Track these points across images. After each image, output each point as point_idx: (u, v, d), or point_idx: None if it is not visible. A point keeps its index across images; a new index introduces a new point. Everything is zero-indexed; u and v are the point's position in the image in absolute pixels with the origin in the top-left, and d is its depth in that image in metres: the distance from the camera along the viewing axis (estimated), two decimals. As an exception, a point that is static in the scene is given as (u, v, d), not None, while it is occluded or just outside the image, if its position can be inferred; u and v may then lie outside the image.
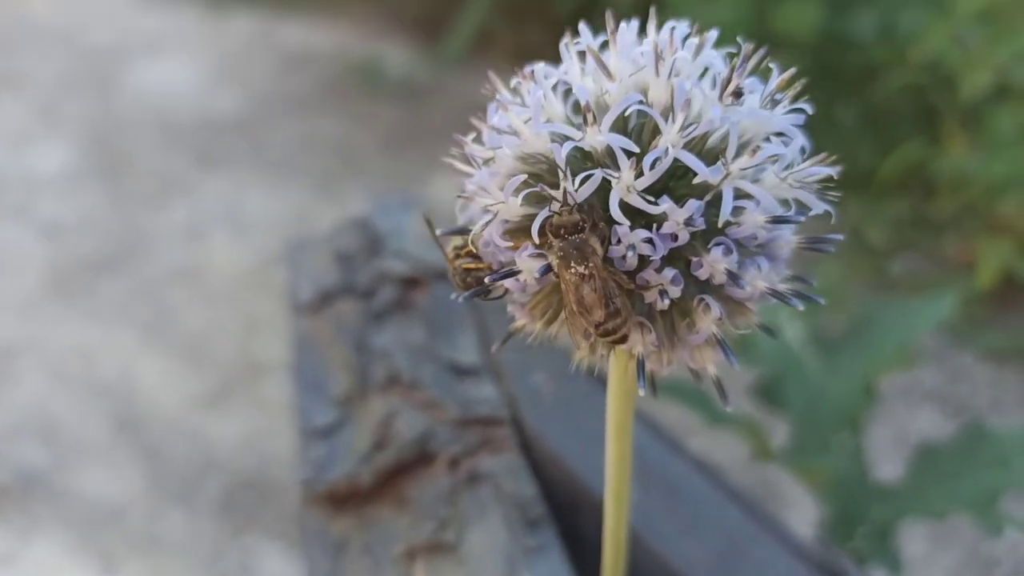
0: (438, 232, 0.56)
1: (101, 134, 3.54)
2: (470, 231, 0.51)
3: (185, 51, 4.16)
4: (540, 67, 0.50)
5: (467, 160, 0.51)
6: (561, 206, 0.45)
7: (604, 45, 0.50)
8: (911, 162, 2.69)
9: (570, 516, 0.86)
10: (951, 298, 1.44)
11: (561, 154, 0.44)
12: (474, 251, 0.52)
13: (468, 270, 0.52)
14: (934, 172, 2.68)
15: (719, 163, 0.44)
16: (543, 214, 0.45)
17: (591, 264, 0.44)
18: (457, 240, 0.54)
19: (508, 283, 0.48)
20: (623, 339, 0.46)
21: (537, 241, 0.46)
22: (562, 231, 0.45)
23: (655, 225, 0.44)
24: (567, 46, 0.50)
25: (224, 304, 2.75)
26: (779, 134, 0.47)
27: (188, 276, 2.83)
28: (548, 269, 0.46)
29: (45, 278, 2.79)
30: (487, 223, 0.48)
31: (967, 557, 2.08)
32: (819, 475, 1.34)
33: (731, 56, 0.49)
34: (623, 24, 0.48)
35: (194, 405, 2.41)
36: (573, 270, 0.44)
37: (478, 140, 0.51)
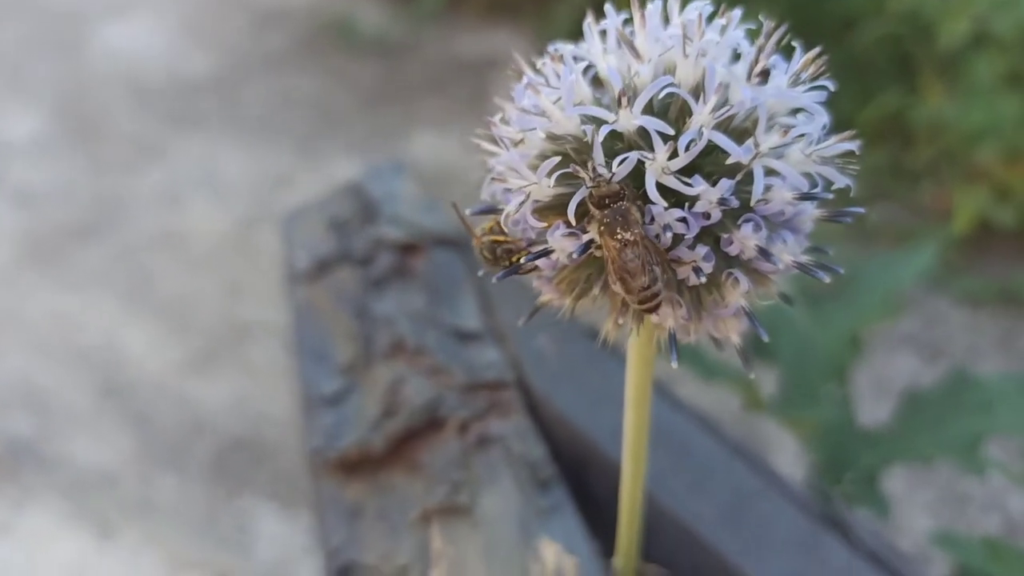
0: (467, 212, 0.57)
1: (71, 99, 3.47)
2: (499, 211, 0.52)
3: (153, 10, 4.06)
4: (567, 48, 0.50)
5: (492, 139, 0.52)
6: (597, 178, 0.45)
7: (626, 22, 0.50)
8: (889, 111, 2.71)
9: (578, 475, 0.88)
10: (933, 249, 1.47)
11: (598, 139, 0.45)
12: (503, 229, 0.53)
13: (496, 243, 0.52)
14: (912, 121, 2.70)
15: (749, 142, 0.44)
16: (580, 194, 0.46)
17: (635, 231, 0.45)
18: (486, 222, 0.55)
19: (539, 261, 0.49)
20: (657, 307, 0.47)
21: (573, 221, 0.47)
22: (606, 200, 0.45)
23: (687, 204, 0.45)
24: (589, 25, 0.51)
25: (206, 268, 2.73)
26: (799, 109, 0.48)
27: (168, 241, 2.81)
28: (586, 249, 0.47)
29: (21, 248, 2.75)
30: (521, 204, 0.48)
31: (942, 495, 2.15)
32: (808, 424, 1.37)
33: (751, 33, 0.49)
34: (650, 5, 0.49)
35: (180, 370, 2.40)
36: (619, 236, 0.45)
37: (504, 120, 0.51)
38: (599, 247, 0.47)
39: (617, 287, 0.46)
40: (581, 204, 0.46)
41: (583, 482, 0.87)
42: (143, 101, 3.47)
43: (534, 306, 0.55)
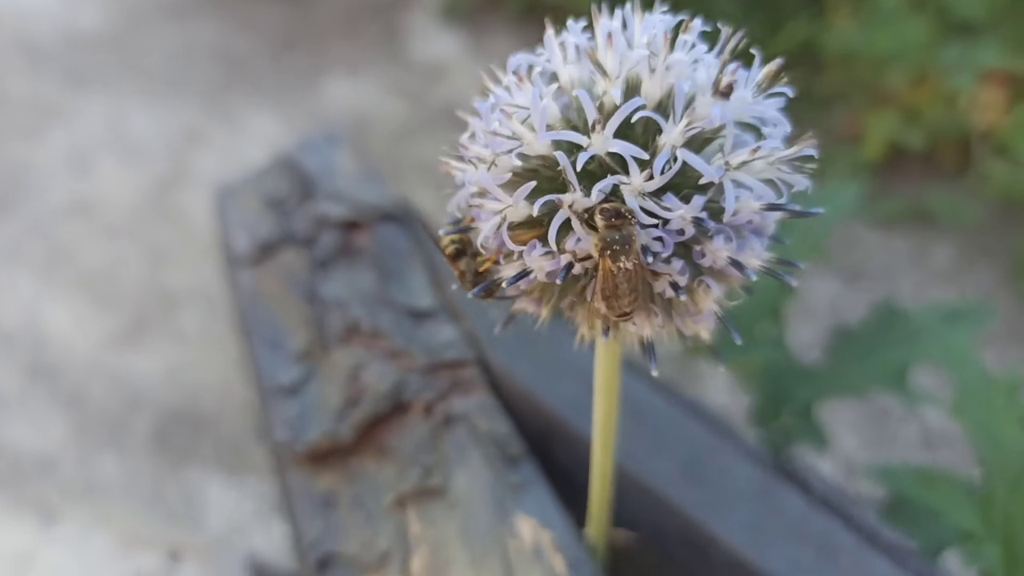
0: (441, 232, 0.57)
1: (-46, 62, 3.25)
2: (472, 230, 0.52)
3: (33, -42, 3.80)
4: (531, 59, 0.50)
5: (459, 156, 0.52)
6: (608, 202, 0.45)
7: (584, 28, 0.51)
8: (799, 39, 2.76)
9: (544, 447, 0.90)
10: (856, 188, 1.53)
11: (576, 166, 0.45)
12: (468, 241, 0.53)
13: (477, 271, 0.53)
14: (821, 48, 2.76)
15: (720, 160, 0.46)
16: (559, 217, 0.47)
17: (633, 260, 0.46)
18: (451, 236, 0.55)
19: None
20: (632, 318, 0.49)
21: (555, 246, 0.47)
22: (613, 218, 0.46)
23: (660, 222, 0.46)
24: (550, 37, 0.51)
25: (123, 236, 2.64)
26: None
27: (80, 209, 2.70)
28: (568, 272, 0.48)
29: (-79, 226, 2.61)
30: (499, 227, 0.49)
31: (864, 412, 2.27)
32: (747, 365, 1.43)
33: (706, 36, 0.50)
34: (614, 21, 0.49)
35: (109, 344, 2.34)
36: (620, 263, 0.45)
37: (471, 138, 0.51)
38: (584, 262, 0.48)
39: (600, 305, 0.48)
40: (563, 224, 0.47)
41: (548, 454, 0.90)
42: (36, 60, 3.27)
43: (508, 315, 0.56)
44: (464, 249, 0.54)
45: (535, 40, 0.54)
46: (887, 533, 0.84)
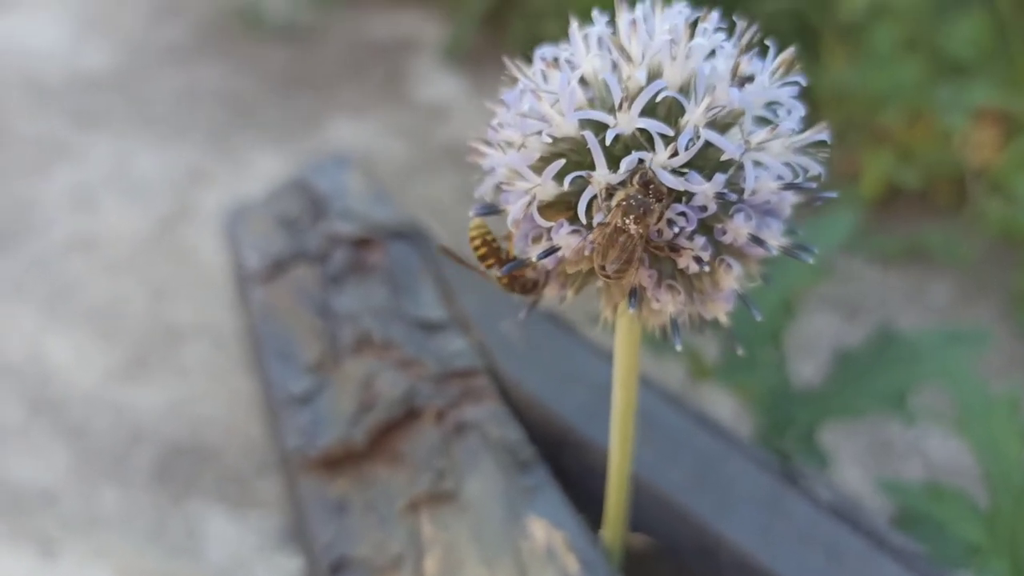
0: (471, 213, 0.58)
1: (-37, 102, 3.31)
2: (498, 211, 0.54)
3: (45, 4, 3.89)
4: (559, 52, 0.53)
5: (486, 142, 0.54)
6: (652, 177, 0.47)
7: (608, 22, 0.53)
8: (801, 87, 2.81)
9: (553, 455, 0.91)
10: (851, 217, 1.57)
11: (605, 142, 0.47)
12: (491, 240, 0.55)
13: (523, 275, 0.55)
14: (817, 88, 2.81)
15: (739, 139, 0.48)
16: (588, 193, 0.49)
17: (642, 228, 0.47)
18: (478, 225, 0.57)
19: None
20: (610, 279, 0.50)
21: (584, 220, 0.49)
22: (650, 187, 0.47)
23: (683, 199, 0.48)
24: (576, 31, 0.53)
25: (126, 272, 2.66)
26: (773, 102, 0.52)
27: (84, 246, 2.72)
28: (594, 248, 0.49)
29: (-73, 261, 2.63)
30: (528, 204, 0.51)
31: (867, 445, 2.27)
32: (750, 388, 1.44)
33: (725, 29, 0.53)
34: (637, 11, 0.52)
35: (111, 378, 2.34)
36: (628, 223, 0.47)
37: (498, 123, 0.53)
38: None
39: (595, 257, 0.49)
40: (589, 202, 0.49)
41: (558, 462, 0.90)
42: (42, 100, 3.32)
43: (532, 300, 0.58)
44: (489, 243, 0.56)
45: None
46: (896, 538, 0.85)
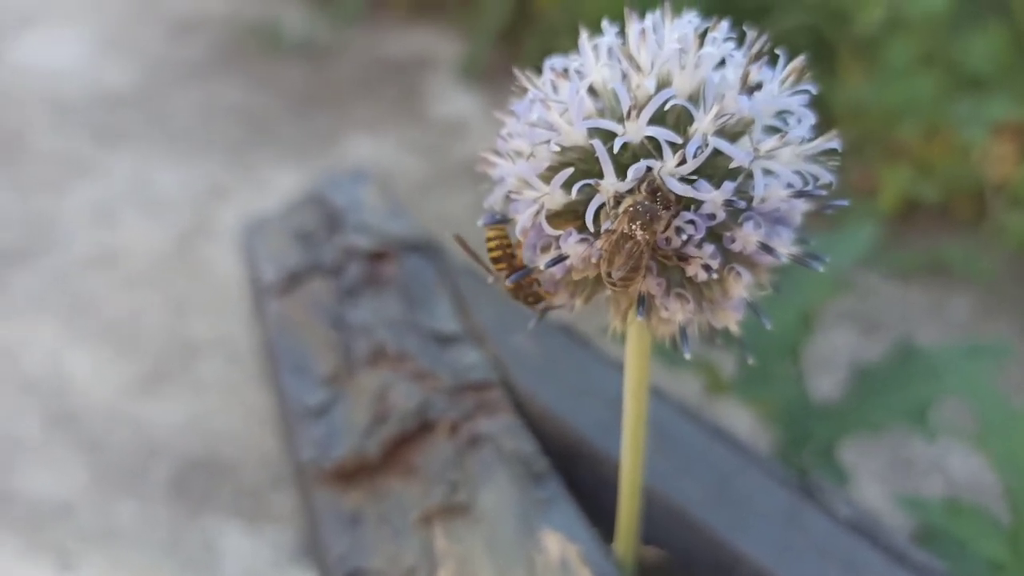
0: (479, 222, 0.59)
1: (-13, 118, 3.35)
2: (510, 221, 0.54)
3: (65, 22, 3.94)
4: (569, 63, 0.53)
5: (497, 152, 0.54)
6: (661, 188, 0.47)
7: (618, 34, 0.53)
8: (812, 95, 2.81)
9: (567, 468, 0.91)
10: (870, 230, 1.56)
11: (612, 151, 0.47)
12: (508, 244, 0.56)
13: (530, 286, 0.55)
14: (833, 103, 2.81)
15: (748, 147, 0.48)
16: (595, 201, 0.49)
17: (649, 234, 0.47)
18: (498, 229, 0.57)
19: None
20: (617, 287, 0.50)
21: (591, 227, 0.49)
22: (658, 195, 0.47)
23: (692, 206, 0.48)
24: (585, 41, 0.54)
25: (146, 287, 2.68)
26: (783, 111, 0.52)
27: (104, 261, 2.74)
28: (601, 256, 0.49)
29: (-51, 276, 2.66)
30: (537, 213, 0.51)
31: (888, 462, 2.25)
32: (767, 403, 1.43)
33: (733, 39, 0.53)
34: (647, 20, 0.52)
35: (129, 392, 2.35)
36: (635, 229, 0.47)
37: (508, 134, 0.53)
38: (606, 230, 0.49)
39: (602, 264, 0.49)
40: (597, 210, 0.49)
41: (572, 475, 0.90)
42: (63, 116, 3.37)
43: (543, 307, 0.58)
44: (505, 248, 0.56)
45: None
46: (916, 554, 0.84)
